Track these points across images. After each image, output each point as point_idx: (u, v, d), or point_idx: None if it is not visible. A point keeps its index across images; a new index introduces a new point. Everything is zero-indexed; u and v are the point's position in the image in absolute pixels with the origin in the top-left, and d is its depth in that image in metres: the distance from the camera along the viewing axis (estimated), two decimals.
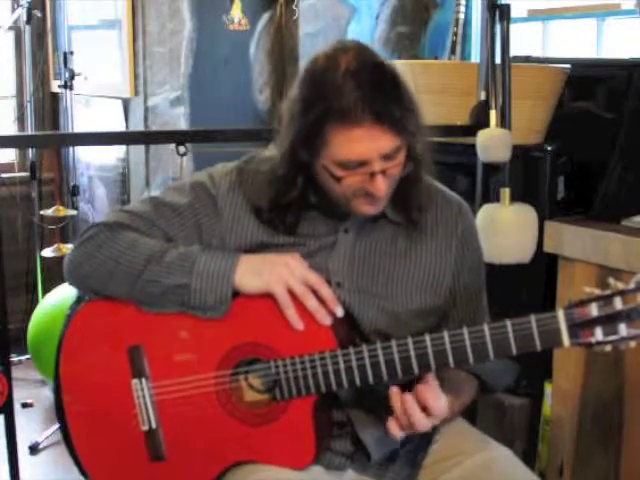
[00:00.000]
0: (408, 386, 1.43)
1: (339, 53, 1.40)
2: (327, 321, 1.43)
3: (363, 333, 1.51)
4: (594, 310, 1.32)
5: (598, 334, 1.32)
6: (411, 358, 1.39)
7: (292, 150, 1.44)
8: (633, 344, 1.32)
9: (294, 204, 1.50)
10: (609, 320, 1.31)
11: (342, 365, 1.41)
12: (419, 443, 1.58)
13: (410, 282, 1.54)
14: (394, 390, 1.40)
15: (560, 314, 1.34)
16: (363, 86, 1.36)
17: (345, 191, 1.44)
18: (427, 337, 1.39)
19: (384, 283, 1.53)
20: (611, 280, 1.33)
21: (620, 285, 1.32)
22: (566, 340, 1.34)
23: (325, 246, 1.53)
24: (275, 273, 1.43)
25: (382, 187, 1.41)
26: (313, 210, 1.53)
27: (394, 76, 1.41)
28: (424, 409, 1.39)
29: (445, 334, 1.39)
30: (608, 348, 1.34)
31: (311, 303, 1.43)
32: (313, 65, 1.43)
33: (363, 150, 1.38)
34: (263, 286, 1.44)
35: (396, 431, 1.40)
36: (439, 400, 1.40)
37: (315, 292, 1.43)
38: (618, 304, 1.31)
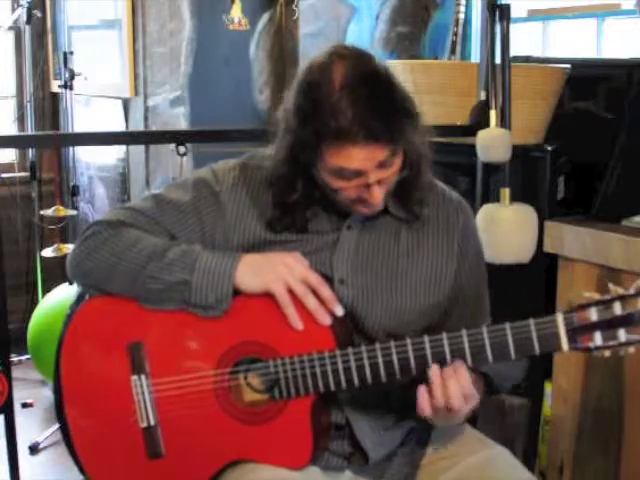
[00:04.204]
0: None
1: (333, 63, 1.38)
2: (327, 321, 1.42)
3: (367, 331, 1.51)
4: (593, 315, 1.30)
5: (597, 339, 1.30)
6: (409, 359, 1.39)
7: (291, 156, 1.45)
8: (632, 349, 1.30)
9: (299, 204, 1.51)
10: (608, 325, 1.29)
11: (340, 366, 1.41)
12: (417, 443, 1.58)
13: (414, 278, 1.54)
14: (434, 365, 1.39)
15: (559, 318, 1.32)
16: (358, 103, 1.34)
17: (342, 199, 1.46)
18: (426, 338, 1.39)
19: (388, 279, 1.53)
20: (611, 285, 1.31)
21: (620, 290, 1.30)
22: (565, 345, 1.32)
23: (329, 243, 1.53)
24: (275, 272, 1.43)
25: (378, 196, 1.43)
26: (316, 206, 1.53)
27: (389, 84, 1.40)
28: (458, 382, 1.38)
29: (444, 336, 1.38)
30: (607, 353, 1.32)
31: (311, 303, 1.42)
32: (307, 76, 1.41)
33: (358, 165, 1.39)
34: (263, 285, 1.44)
35: (426, 406, 1.39)
36: (469, 379, 1.39)
37: (315, 292, 1.43)
38: (618, 309, 1.29)
